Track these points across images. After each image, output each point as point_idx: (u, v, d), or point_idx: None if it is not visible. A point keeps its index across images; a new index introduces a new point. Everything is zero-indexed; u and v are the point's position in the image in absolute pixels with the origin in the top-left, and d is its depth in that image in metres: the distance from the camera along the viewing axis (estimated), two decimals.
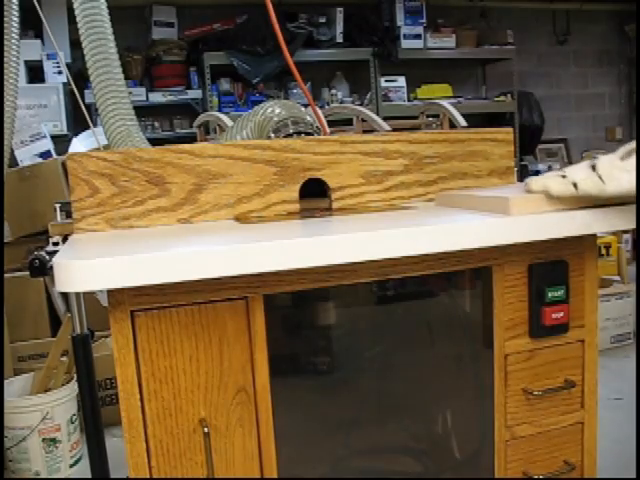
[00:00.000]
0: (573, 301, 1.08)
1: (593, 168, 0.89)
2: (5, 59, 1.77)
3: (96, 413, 1.56)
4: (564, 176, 0.91)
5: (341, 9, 4.58)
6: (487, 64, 5.36)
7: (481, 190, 1.19)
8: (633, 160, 0.86)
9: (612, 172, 0.86)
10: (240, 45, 4.37)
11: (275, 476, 0.95)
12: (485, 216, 0.96)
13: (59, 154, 3.27)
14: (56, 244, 1.25)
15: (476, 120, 2.53)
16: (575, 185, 0.89)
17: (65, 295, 2.18)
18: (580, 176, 0.89)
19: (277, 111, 1.33)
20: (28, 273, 1.21)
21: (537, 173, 4.93)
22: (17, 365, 2.56)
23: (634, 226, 0.96)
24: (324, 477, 1.12)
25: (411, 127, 2.22)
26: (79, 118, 2.70)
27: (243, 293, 0.91)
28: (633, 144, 0.88)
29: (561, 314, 1.06)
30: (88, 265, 0.76)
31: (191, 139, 2.32)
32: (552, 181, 0.92)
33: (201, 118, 2.11)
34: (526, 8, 5.47)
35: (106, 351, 2.47)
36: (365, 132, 1.81)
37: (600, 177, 0.86)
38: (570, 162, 5.37)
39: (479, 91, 5.45)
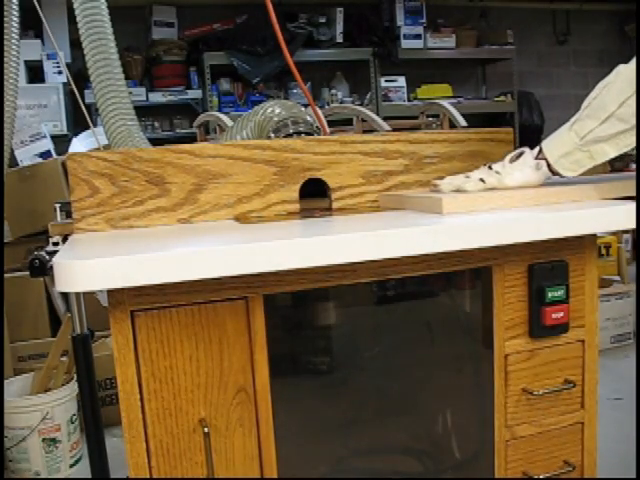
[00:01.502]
0: (573, 301, 1.08)
1: (490, 168, 1.12)
2: (5, 59, 1.77)
3: (96, 413, 1.56)
4: (468, 177, 1.13)
5: (341, 9, 4.58)
6: (487, 64, 5.36)
7: (418, 192, 1.23)
8: (520, 160, 1.12)
9: (506, 170, 1.12)
10: (240, 45, 4.37)
11: (275, 476, 0.95)
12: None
13: (59, 154, 3.27)
14: (56, 244, 1.25)
15: (476, 120, 2.53)
16: (482, 180, 1.11)
17: (65, 295, 2.17)
18: (482, 175, 1.12)
19: (277, 111, 1.33)
20: (28, 273, 1.20)
21: None
22: (17, 365, 2.55)
23: (634, 226, 0.97)
24: (324, 477, 1.12)
25: (411, 127, 2.21)
26: (79, 118, 2.70)
27: (243, 293, 0.91)
28: (519, 150, 1.13)
29: (561, 314, 1.06)
30: (88, 265, 0.76)
31: (191, 139, 2.32)
32: (461, 181, 1.12)
33: (201, 118, 2.11)
34: (526, 8, 5.47)
35: (106, 351, 2.47)
36: (365, 132, 1.81)
37: (498, 173, 1.11)
38: None
39: (479, 91, 5.45)
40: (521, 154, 1.13)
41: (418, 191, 1.24)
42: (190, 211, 1.16)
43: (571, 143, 1.07)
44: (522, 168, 1.11)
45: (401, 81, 4.87)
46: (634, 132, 1.02)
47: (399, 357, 1.13)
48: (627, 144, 1.04)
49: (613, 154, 1.05)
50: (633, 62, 1.03)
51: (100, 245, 0.98)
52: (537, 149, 1.12)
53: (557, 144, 1.09)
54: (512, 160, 1.12)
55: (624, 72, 1.04)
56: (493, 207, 1.04)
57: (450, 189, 1.13)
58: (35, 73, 3.82)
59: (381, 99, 4.81)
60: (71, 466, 2.26)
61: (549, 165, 1.10)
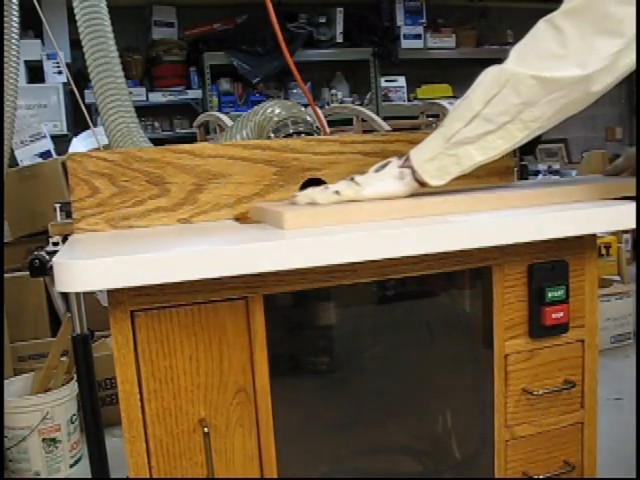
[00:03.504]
0: (573, 301, 1.08)
1: (352, 179, 1.04)
2: (5, 59, 1.77)
3: (96, 413, 1.56)
4: (327, 187, 1.04)
5: (341, 9, 4.57)
6: (487, 64, 5.35)
7: (279, 204, 1.14)
8: (385, 171, 1.03)
9: (367, 181, 1.03)
10: (240, 45, 4.37)
11: (275, 476, 0.95)
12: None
13: (59, 154, 3.27)
14: (56, 244, 1.25)
15: None
16: (337, 192, 1.02)
17: (65, 295, 2.17)
18: (340, 187, 1.03)
19: (277, 111, 1.33)
20: (28, 273, 1.20)
21: (537, 173, 4.92)
22: (17, 365, 2.55)
23: (634, 226, 0.97)
24: (324, 477, 1.12)
25: (411, 127, 2.22)
26: (79, 118, 2.70)
27: (243, 293, 0.91)
28: (387, 160, 1.05)
29: (561, 314, 1.06)
30: (88, 265, 0.76)
31: (191, 139, 2.32)
32: (317, 193, 1.04)
33: (201, 118, 2.11)
34: (526, 8, 5.46)
35: (106, 351, 2.46)
36: (365, 132, 1.81)
37: (357, 184, 1.03)
38: (570, 162, 5.36)
39: None
40: (388, 163, 1.05)
41: (279, 203, 1.15)
42: (190, 211, 1.16)
43: (437, 147, 1.00)
44: (384, 178, 1.03)
45: (401, 81, 4.86)
46: (502, 134, 0.96)
47: (399, 357, 1.13)
48: (494, 147, 0.97)
49: (479, 158, 0.98)
50: (506, 61, 0.98)
51: (100, 245, 0.98)
52: (405, 157, 1.04)
53: (423, 149, 1.02)
54: (377, 170, 1.05)
55: (492, 71, 0.98)
56: (343, 222, 0.94)
57: (306, 201, 1.04)
58: (35, 73, 3.82)
59: (381, 99, 4.81)
60: (71, 466, 2.26)
61: (415, 173, 1.01)
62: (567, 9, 0.92)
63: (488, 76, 0.98)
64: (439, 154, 0.99)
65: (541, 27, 0.96)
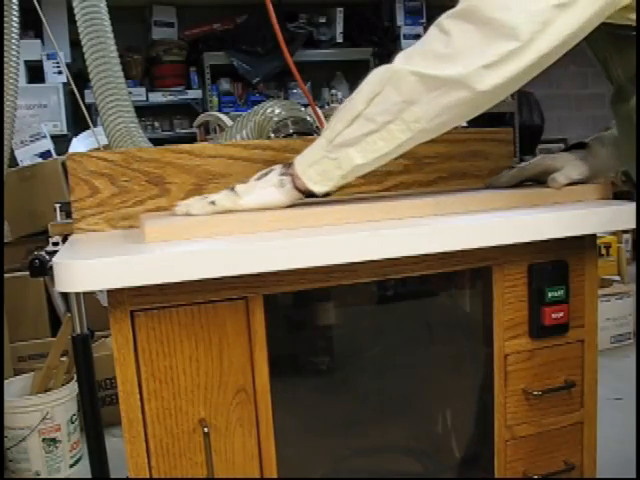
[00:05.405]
0: (573, 301, 1.08)
1: (232, 189, 0.98)
2: (5, 59, 1.77)
3: (96, 413, 1.56)
4: (205, 197, 0.98)
5: (341, 9, 4.58)
6: None
7: (162, 213, 1.10)
8: (266, 179, 0.97)
9: (247, 189, 0.97)
10: (240, 45, 4.38)
11: (275, 476, 0.95)
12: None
13: (59, 154, 3.27)
14: (56, 244, 1.25)
15: (476, 120, 2.52)
16: (213, 202, 0.96)
17: (65, 295, 2.17)
18: (218, 196, 0.97)
19: (277, 111, 1.33)
20: (28, 273, 1.20)
21: None
22: (17, 365, 2.55)
23: (634, 226, 0.97)
24: (324, 477, 1.12)
25: None
26: (79, 118, 2.70)
27: (243, 293, 0.91)
28: (269, 168, 0.99)
29: (561, 314, 1.06)
30: (88, 265, 0.76)
31: (191, 139, 2.32)
32: (193, 203, 0.98)
33: (201, 118, 2.11)
34: None
35: (106, 351, 2.46)
36: None
37: (236, 193, 0.97)
38: None
39: None
40: (270, 171, 0.98)
41: (163, 213, 1.09)
42: None
43: (320, 150, 0.93)
44: (265, 186, 0.97)
45: None
46: (383, 135, 0.90)
47: (399, 357, 1.13)
48: (375, 149, 0.91)
49: (359, 161, 0.91)
50: (393, 61, 0.94)
51: (100, 245, 0.98)
52: (289, 164, 0.97)
53: (308, 154, 0.95)
54: (259, 178, 0.99)
55: (378, 70, 0.94)
56: (210, 235, 0.90)
57: (183, 211, 0.98)
58: (35, 73, 3.82)
59: None
60: (71, 466, 2.26)
61: (295, 181, 0.95)
62: (453, 12, 0.91)
63: (373, 77, 0.93)
64: (322, 158, 0.93)
65: (430, 31, 0.95)
